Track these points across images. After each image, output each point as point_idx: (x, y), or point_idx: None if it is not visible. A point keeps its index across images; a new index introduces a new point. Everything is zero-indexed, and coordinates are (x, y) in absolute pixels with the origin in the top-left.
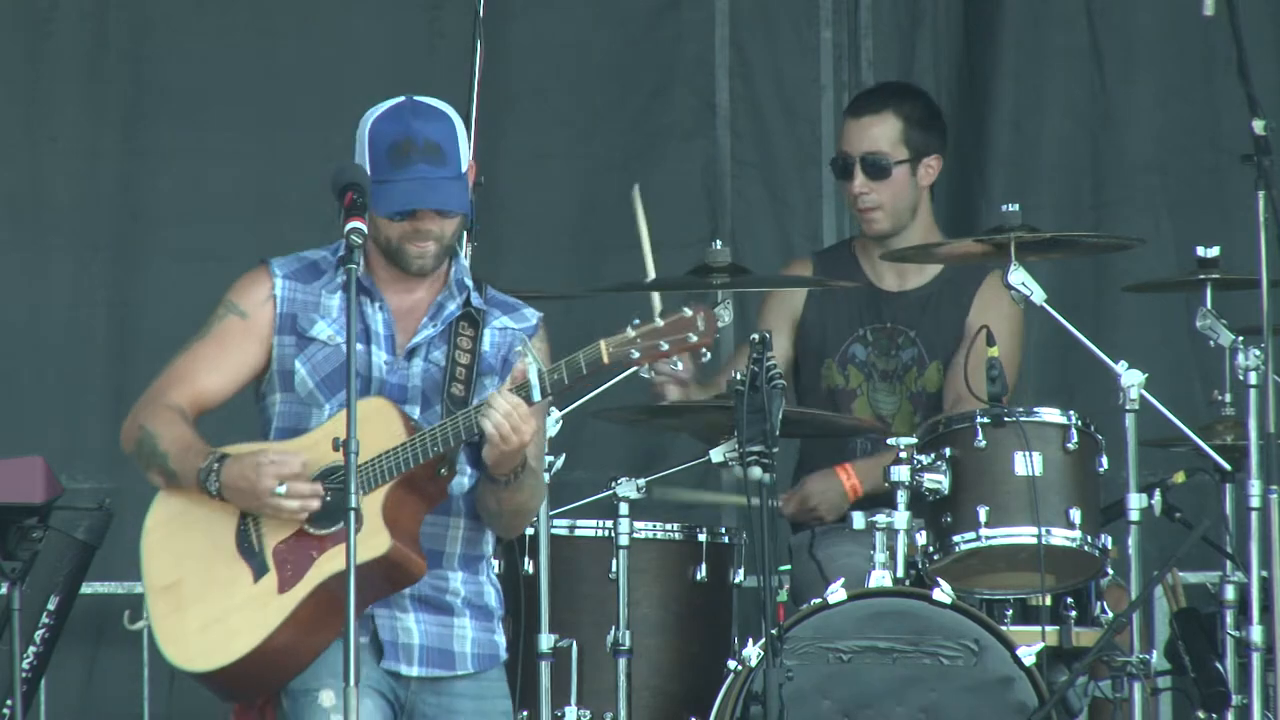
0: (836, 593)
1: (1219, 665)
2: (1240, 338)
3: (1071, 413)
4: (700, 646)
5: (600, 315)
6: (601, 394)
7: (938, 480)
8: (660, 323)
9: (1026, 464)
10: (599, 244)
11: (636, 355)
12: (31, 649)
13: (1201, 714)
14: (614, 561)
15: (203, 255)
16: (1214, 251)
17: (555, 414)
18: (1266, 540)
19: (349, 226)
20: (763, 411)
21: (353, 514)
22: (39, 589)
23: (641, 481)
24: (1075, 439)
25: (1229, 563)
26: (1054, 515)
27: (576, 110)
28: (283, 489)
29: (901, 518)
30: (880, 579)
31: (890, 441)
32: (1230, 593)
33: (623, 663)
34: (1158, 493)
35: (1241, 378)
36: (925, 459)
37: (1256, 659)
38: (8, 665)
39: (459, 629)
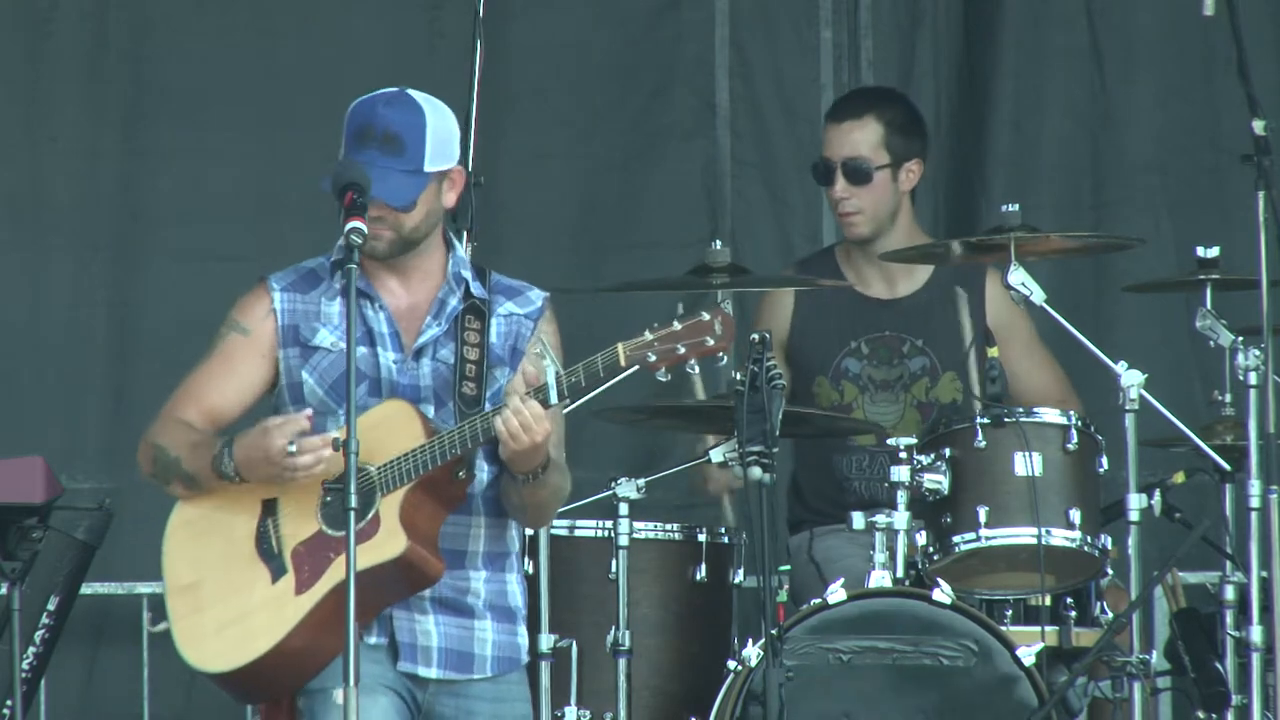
0: (836, 593)
1: (1219, 665)
2: (1240, 338)
3: (1071, 413)
4: (700, 646)
5: (600, 315)
6: (601, 393)
7: (938, 480)
8: (677, 325)
9: (1026, 464)
10: (599, 244)
11: (654, 358)
12: (31, 649)
13: (1201, 714)
14: (614, 561)
15: (203, 255)
16: (1214, 251)
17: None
18: (1266, 540)
19: (349, 226)
20: (763, 411)
21: (352, 514)
22: (39, 589)
23: (641, 481)
24: (1075, 439)
25: (1229, 563)
26: (1054, 515)
27: (576, 110)
28: (294, 447)
29: (901, 518)
30: (880, 579)
31: (890, 441)
32: (1230, 593)
33: (623, 663)
34: (1158, 493)
35: (1241, 378)
36: (925, 459)
37: (1256, 659)
38: (8, 665)
39: (479, 631)
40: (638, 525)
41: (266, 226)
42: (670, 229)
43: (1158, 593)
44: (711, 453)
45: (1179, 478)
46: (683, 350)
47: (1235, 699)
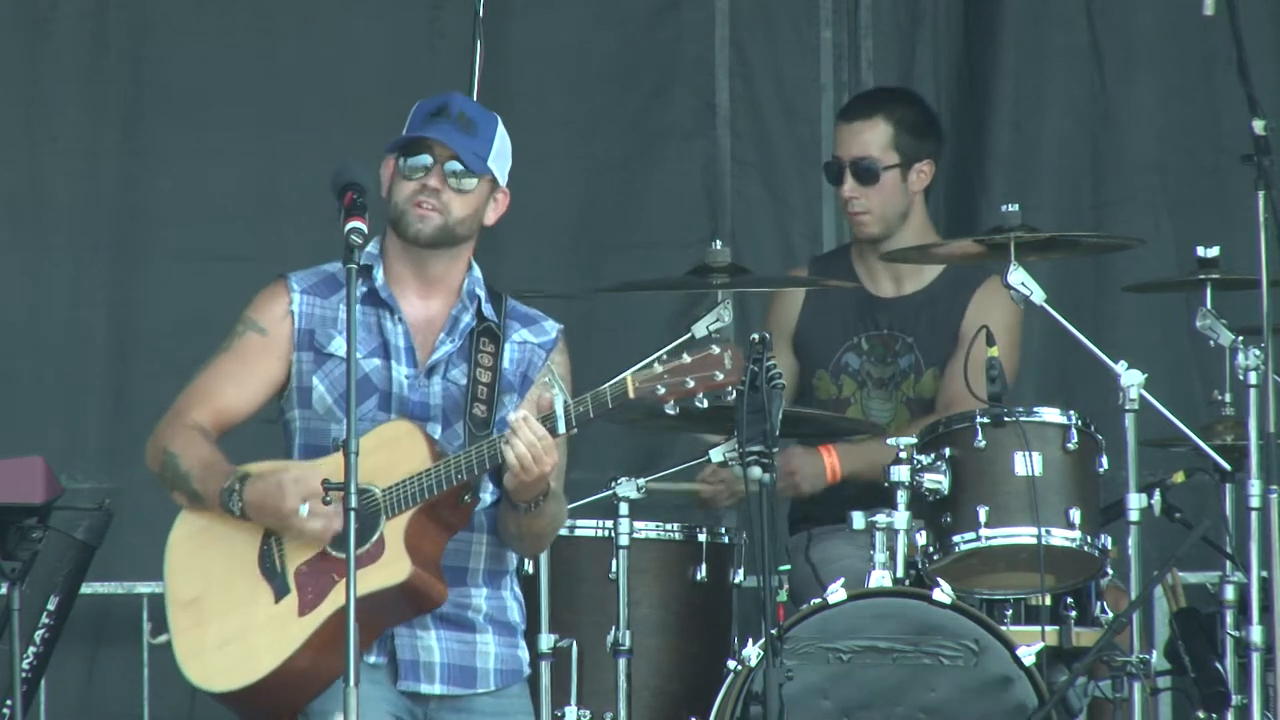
0: (836, 593)
1: (1219, 665)
2: (1240, 338)
3: (1071, 413)
4: (700, 646)
5: (600, 315)
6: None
7: (937, 480)
8: (687, 358)
9: (1026, 464)
10: (599, 244)
11: (662, 391)
12: (31, 649)
13: (1201, 714)
14: (614, 561)
15: (203, 255)
16: (1214, 251)
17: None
18: (1266, 540)
19: (349, 226)
20: (763, 411)
21: (352, 514)
22: (39, 589)
23: (641, 481)
24: (1075, 439)
25: (1229, 563)
26: (1054, 515)
27: (576, 110)
28: (305, 509)
29: (901, 518)
30: (880, 579)
31: (890, 441)
32: (1230, 593)
33: (623, 663)
34: (1158, 493)
35: (1241, 378)
36: (925, 459)
37: (1256, 659)
38: (8, 665)
39: (481, 645)
40: (638, 525)
41: (266, 226)
42: (670, 229)
43: (1158, 593)
44: (711, 453)
45: (1179, 478)
46: (691, 384)
47: (1235, 699)
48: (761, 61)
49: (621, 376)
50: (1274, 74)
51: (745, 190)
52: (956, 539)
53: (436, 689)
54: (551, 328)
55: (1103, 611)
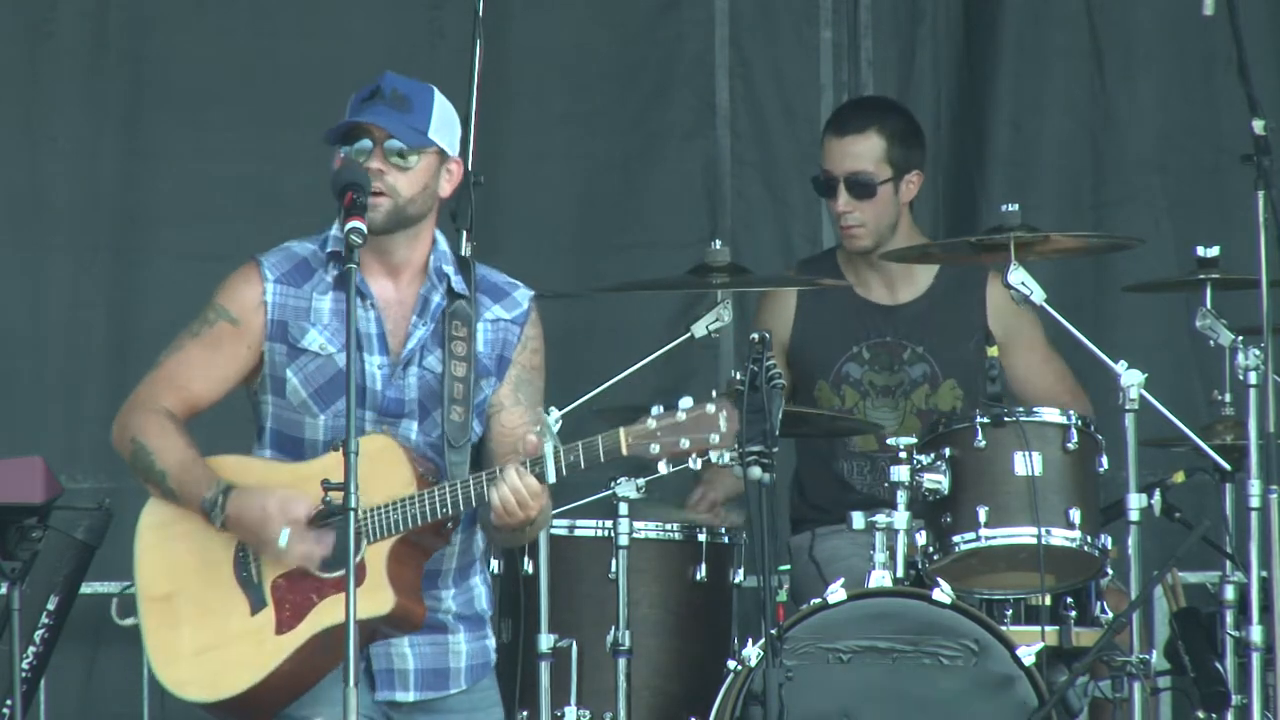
0: (836, 593)
1: (1219, 665)
2: (1240, 338)
3: (1071, 413)
4: (700, 646)
5: (600, 315)
6: (601, 393)
7: (937, 480)
8: (683, 417)
9: (1026, 464)
10: (599, 244)
11: (656, 450)
12: (31, 649)
13: (1201, 714)
14: (614, 561)
15: (203, 255)
16: (1214, 251)
17: (556, 414)
18: (1266, 540)
19: (349, 226)
20: (763, 411)
21: (352, 514)
22: (39, 589)
23: (641, 481)
24: (1075, 439)
25: (1229, 563)
26: (1054, 515)
27: (576, 110)
28: (285, 538)
29: (901, 518)
30: (880, 579)
31: (890, 441)
32: (1230, 593)
33: (622, 663)
34: (1158, 493)
35: (1241, 378)
36: (925, 459)
37: (1256, 659)
38: (8, 665)
39: (454, 645)
40: (638, 525)
41: (266, 226)
42: (670, 229)
43: (1158, 593)
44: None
45: (1179, 478)
46: (686, 445)
47: (1235, 699)
48: (761, 61)
49: (615, 430)
50: (1274, 74)
51: (745, 190)
52: (956, 539)
53: (411, 696)
54: (523, 297)
55: (1103, 611)
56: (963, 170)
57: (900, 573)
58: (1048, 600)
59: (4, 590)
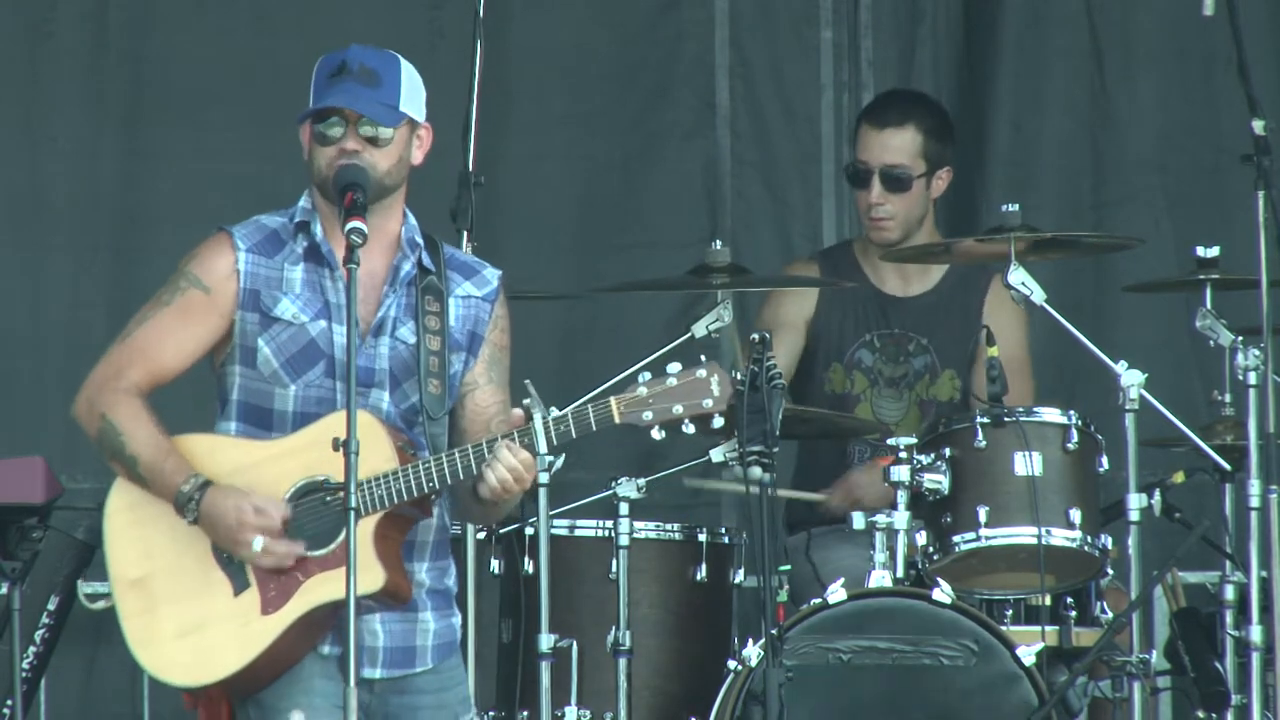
0: (836, 593)
1: (1218, 665)
2: (1240, 338)
3: (1071, 413)
4: (700, 646)
5: (600, 315)
6: (600, 393)
7: (938, 480)
8: (674, 382)
9: (1026, 464)
10: (599, 244)
11: (649, 417)
12: (31, 649)
13: (1201, 714)
14: (614, 561)
15: None
16: (1214, 251)
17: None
18: (1266, 540)
19: (349, 226)
20: (763, 411)
21: (353, 514)
22: (39, 589)
23: (641, 481)
24: (1075, 439)
25: (1229, 563)
26: (1054, 515)
27: (576, 110)
28: (259, 546)
29: (901, 518)
30: (880, 579)
31: (890, 440)
32: (1230, 593)
33: (623, 663)
34: (1158, 493)
35: (1241, 378)
36: (925, 459)
37: (1256, 659)
38: (8, 665)
39: (421, 623)
40: (638, 525)
41: None
42: (670, 229)
43: (1158, 593)
44: (712, 452)
45: (1179, 478)
46: (679, 410)
47: (1235, 699)
48: (761, 61)
49: (606, 399)
50: (1274, 74)
51: (745, 190)
52: (956, 539)
53: (378, 673)
54: (492, 275)
55: (1103, 611)
56: (963, 170)
57: (900, 573)
58: (1048, 600)
59: (4, 590)
